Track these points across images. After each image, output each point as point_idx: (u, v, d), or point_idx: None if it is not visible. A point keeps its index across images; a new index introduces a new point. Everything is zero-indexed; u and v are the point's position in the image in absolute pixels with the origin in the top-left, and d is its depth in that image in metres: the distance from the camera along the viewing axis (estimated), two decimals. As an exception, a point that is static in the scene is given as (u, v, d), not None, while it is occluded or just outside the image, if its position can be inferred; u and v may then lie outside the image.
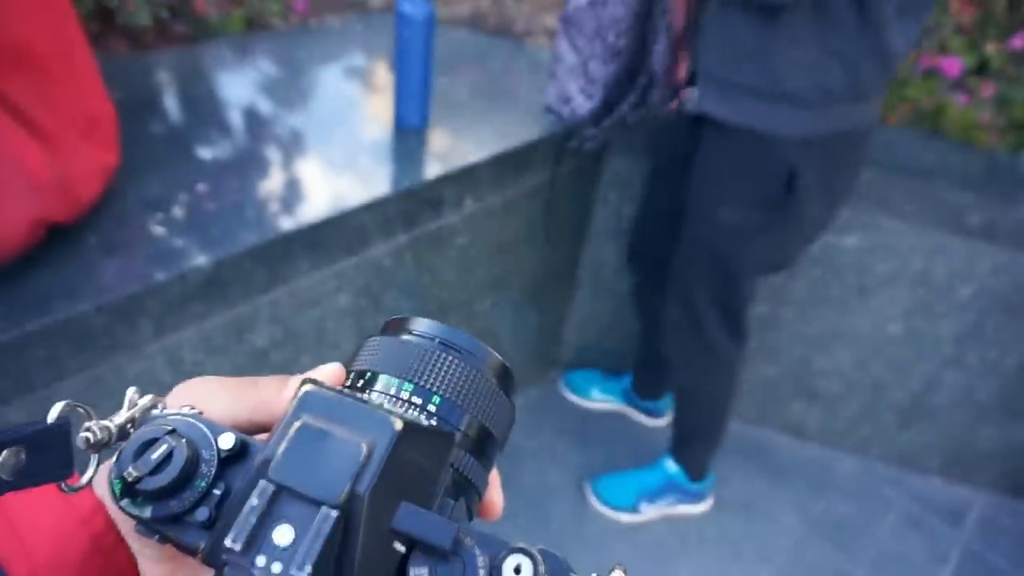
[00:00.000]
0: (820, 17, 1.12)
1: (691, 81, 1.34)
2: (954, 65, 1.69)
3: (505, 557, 0.25)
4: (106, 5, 1.90)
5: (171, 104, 1.50)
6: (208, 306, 1.12)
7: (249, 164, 1.32)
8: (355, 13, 2.65)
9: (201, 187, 1.23)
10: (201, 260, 1.08)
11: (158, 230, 1.12)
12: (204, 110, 1.48)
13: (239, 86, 1.60)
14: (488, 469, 0.32)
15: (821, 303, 1.77)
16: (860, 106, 1.21)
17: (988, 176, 1.64)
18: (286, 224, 1.18)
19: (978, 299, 1.63)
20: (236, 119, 1.48)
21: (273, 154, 1.37)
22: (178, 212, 1.17)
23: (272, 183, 1.28)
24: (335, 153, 1.38)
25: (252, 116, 1.50)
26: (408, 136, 1.45)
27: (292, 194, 1.26)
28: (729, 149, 1.30)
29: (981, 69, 1.74)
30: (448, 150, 1.43)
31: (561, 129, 1.54)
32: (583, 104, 1.54)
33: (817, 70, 1.15)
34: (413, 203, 1.33)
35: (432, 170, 1.36)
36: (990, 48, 1.71)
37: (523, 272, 1.73)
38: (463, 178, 1.39)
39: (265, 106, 1.53)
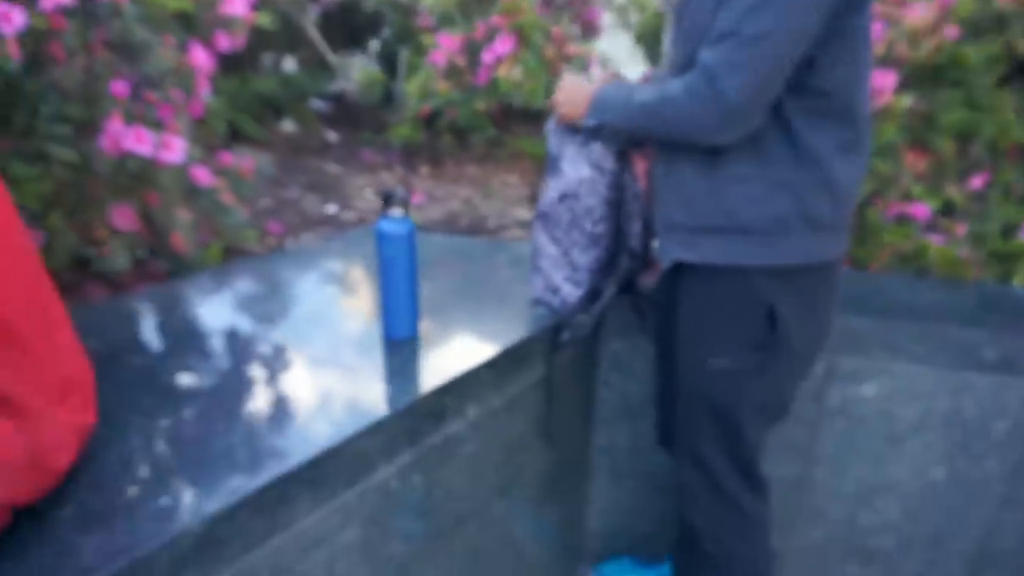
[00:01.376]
0: (759, 155, 1.17)
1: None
2: (923, 210, 1.74)
3: None
4: (81, 254, 1.90)
5: (150, 345, 1.45)
6: (202, 570, 0.99)
7: (235, 400, 1.24)
8: (330, 229, 2.72)
9: (184, 433, 1.14)
10: (190, 520, 0.96)
11: (139, 492, 1.02)
12: (185, 347, 1.42)
13: (220, 316, 1.56)
14: None
15: (852, 457, 1.67)
16: (819, 236, 1.22)
17: (987, 309, 1.62)
18: (281, 463, 1.08)
19: (1017, 434, 1.55)
20: (219, 352, 1.42)
21: (260, 385, 1.30)
22: (160, 467, 1.07)
23: (261, 418, 1.20)
24: (325, 376, 1.31)
25: (235, 347, 1.44)
26: (399, 349, 1.40)
27: (283, 428, 1.18)
28: (706, 294, 1.29)
29: (947, 211, 1.80)
30: (442, 358, 1.38)
31: (552, 321, 1.51)
32: (572, 292, 1.53)
33: (767, 202, 1.18)
34: (414, 419, 1.25)
35: (429, 381, 1.29)
36: (951, 191, 1.77)
37: (535, 468, 1.61)
38: (463, 385, 1.33)
39: (248, 335, 1.48)
